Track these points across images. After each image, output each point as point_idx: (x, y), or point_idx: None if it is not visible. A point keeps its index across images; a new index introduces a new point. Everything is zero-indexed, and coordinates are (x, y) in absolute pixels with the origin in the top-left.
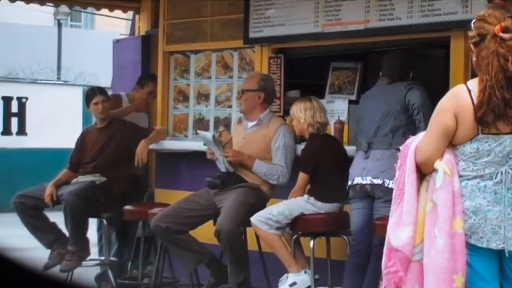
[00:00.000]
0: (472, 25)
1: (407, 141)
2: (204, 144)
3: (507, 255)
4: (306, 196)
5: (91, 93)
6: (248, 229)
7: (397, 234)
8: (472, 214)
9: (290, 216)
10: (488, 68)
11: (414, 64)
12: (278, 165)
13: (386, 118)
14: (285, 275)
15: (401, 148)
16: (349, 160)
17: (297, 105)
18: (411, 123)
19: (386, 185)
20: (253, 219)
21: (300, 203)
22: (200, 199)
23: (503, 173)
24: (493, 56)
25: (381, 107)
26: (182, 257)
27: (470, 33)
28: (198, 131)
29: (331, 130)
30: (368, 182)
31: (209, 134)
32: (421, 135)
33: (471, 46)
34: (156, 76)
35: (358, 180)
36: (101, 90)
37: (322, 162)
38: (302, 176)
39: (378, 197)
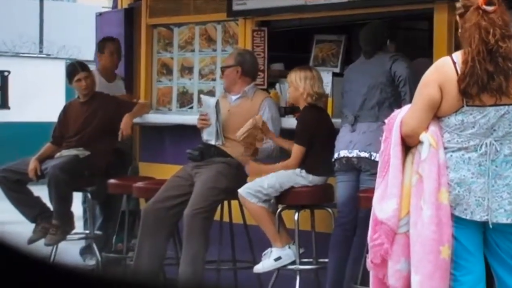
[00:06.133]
0: None
1: (393, 113)
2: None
3: (491, 226)
4: (298, 169)
5: (73, 70)
6: (232, 202)
7: (382, 207)
8: (456, 185)
9: (280, 189)
10: (470, 40)
11: (396, 35)
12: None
13: (372, 91)
14: (269, 249)
15: (386, 121)
16: (335, 133)
17: (297, 73)
18: (397, 95)
19: (373, 158)
20: (242, 191)
21: (291, 176)
22: (183, 181)
23: (488, 145)
24: (474, 28)
25: (366, 80)
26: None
27: (457, 4)
28: (201, 95)
29: None
30: (355, 155)
31: (212, 100)
32: (406, 107)
33: (457, 17)
34: (112, 37)
35: (344, 153)
36: (83, 66)
37: (317, 134)
38: (299, 149)
39: (365, 170)
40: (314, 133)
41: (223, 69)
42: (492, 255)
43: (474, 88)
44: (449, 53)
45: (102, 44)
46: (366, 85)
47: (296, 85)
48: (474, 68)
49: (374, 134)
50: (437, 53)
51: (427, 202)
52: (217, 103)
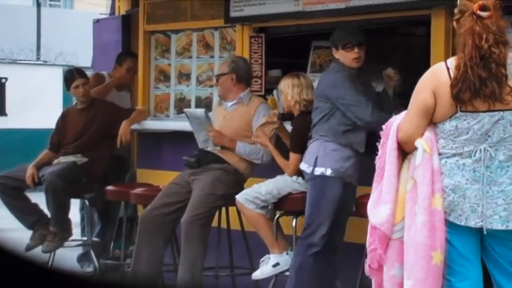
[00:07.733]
0: (458, 2)
1: (390, 120)
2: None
3: (485, 233)
4: (294, 176)
5: (71, 76)
6: (230, 208)
7: (376, 212)
8: (451, 192)
9: (278, 195)
10: (463, 45)
11: (396, 42)
12: None
13: (315, 112)
14: (266, 256)
15: (383, 126)
16: None
17: (286, 80)
18: (335, 109)
19: (304, 167)
20: (239, 197)
21: (289, 183)
22: (180, 188)
23: (482, 151)
24: (468, 33)
25: (316, 101)
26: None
27: (455, 10)
28: (185, 110)
29: None
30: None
31: (199, 110)
32: (403, 113)
33: (455, 23)
34: (134, 53)
35: None
36: (80, 73)
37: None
38: (295, 157)
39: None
40: (306, 139)
41: (217, 77)
42: (490, 261)
43: (467, 94)
44: (446, 59)
45: (122, 57)
46: (316, 107)
47: (286, 93)
48: (467, 74)
49: (312, 147)
50: (435, 59)
51: (421, 207)
52: (206, 112)
